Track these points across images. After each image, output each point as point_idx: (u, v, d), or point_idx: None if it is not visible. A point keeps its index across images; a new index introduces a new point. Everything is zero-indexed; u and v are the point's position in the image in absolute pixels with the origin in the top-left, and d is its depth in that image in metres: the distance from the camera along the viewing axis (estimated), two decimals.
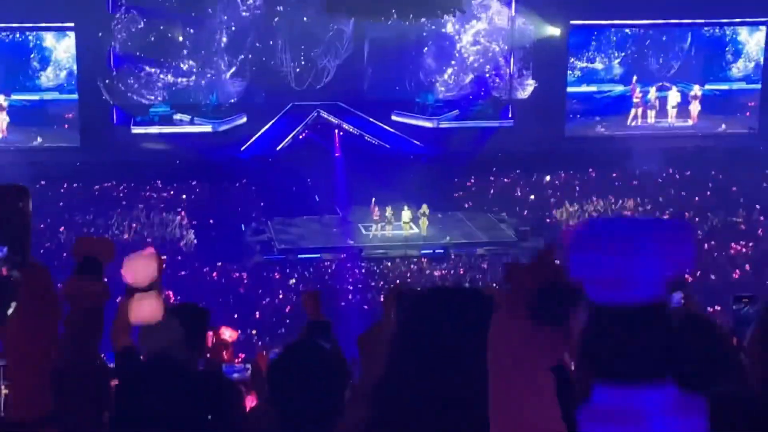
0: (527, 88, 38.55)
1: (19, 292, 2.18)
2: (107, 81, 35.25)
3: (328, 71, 37.82)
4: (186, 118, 36.12)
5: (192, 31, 36.33)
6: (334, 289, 26.17)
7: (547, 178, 34.87)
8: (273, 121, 36.07)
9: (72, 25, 34.13)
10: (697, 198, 33.29)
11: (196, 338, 5.35)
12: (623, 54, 37.70)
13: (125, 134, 35.32)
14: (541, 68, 37.68)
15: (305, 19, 36.60)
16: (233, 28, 36.62)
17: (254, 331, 23.01)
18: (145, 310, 3.71)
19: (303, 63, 37.19)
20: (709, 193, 33.68)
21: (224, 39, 36.64)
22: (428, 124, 36.98)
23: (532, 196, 33.87)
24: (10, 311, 2.18)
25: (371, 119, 36.80)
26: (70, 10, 32.93)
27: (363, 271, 27.90)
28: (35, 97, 34.52)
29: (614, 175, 34.95)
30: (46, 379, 2.25)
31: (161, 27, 35.92)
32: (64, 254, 27.38)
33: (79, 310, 3.45)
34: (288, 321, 23.35)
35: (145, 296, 3.74)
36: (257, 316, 24.19)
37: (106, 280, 3.70)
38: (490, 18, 38.33)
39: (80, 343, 3.50)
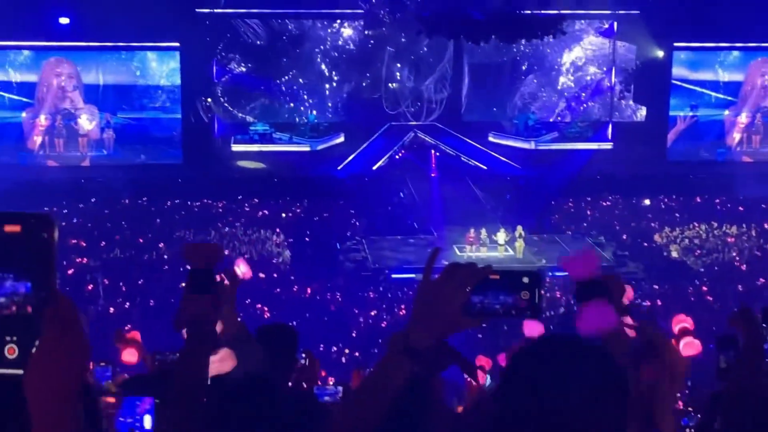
0: (627, 111, 38.00)
1: (44, 328, 2.07)
2: (209, 100, 35.97)
3: (425, 92, 37.93)
4: (285, 136, 36.64)
5: (293, 51, 36.86)
6: None
7: (647, 201, 34.16)
8: (370, 140, 36.28)
9: (177, 45, 34.86)
10: None
11: (285, 359, 5.30)
12: (729, 77, 36.77)
13: (225, 152, 35.97)
14: (642, 90, 37.10)
15: (403, 41, 36.79)
16: (333, 49, 37.06)
17: (347, 351, 23.03)
18: (217, 366, 3.62)
19: (401, 84, 37.38)
20: None
21: (324, 59, 37.10)
22: (525, 146, 36.72)
23: (632, 221, 33.20)
24: (33, 349, 2.08)
25: (468, 140, 36.70)
26: (175, 30, 33.68)
27: None
28: (140, 115, 35.33)
29: (718, 200, 34.04)
30: (71, 424, 2.10)
31: (263, 47, 36.55)
32: (165, 267, 28.05)
33: (195, 333, 3.40)
34: (381, 340, 23.30)
35: (218, 354, 3.65)
36: (353, 335, 24.22)
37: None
38: (590, 40, 37.94)
39: (195, 369, 3.41)
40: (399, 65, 37.24)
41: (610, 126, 37.64)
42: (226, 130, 36.52)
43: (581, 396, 2.17)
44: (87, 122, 34.82)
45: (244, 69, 36.68)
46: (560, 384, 2.19)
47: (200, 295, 3.45)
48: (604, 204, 34.27)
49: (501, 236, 30.34)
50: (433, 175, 34.65)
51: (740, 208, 33.45)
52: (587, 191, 34.37)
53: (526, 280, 2.54)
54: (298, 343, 5.96)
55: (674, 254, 31.00)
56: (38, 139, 34.64)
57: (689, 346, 6.94)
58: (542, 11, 34.98)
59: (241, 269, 4.01)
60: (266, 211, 32.73)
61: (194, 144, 35.14)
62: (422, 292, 2.59)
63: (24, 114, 34.42)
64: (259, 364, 4.25)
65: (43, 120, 34.47)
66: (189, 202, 32.86)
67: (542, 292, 2.55)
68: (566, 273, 3.38)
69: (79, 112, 34.73)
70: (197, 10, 34.46)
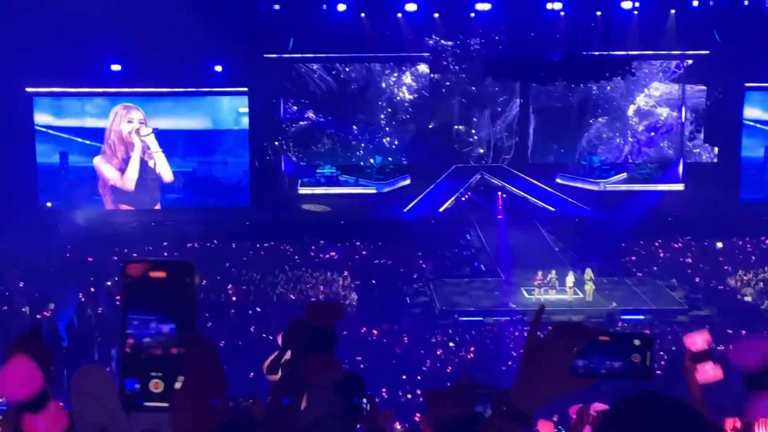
0: (698, 151, 37.45)
1: (186, 367, 2.24)
2: (276, 143, 36.38)
3: (491, 134, 37.90)
4: (351, 179, 36.87)
5: (359, 95, 37.20)
6: (495, 352, 25.76)
7: (720, 244, 33.48)
8: (436, 182, 36.29)
9: (245, 90, 35.37)
10: None
11: (351, 406, 5.21)
12: None
13: (292, 195, 36.29)
14: (714, 131, 36.57)
15: (469, 84, 36.91)
16: (399, 93, 37.29)
17: (409, 395, 22.83)
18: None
19: (466, 126, 37.45)
20: None
21: (390, 103, 37.35)
22: (594, 187, 36.39)
23: (705, 263, 32.54)
24: (177, 386, 2.24)
25: (535, 181, 36.49)
26: (244, 75, 34.25)
27: (525, 335, 27.31)
28: (209, 159, 35.83)
29: None
30: None
31: (330, 91, 36.94)
32: (232, 311, 28.24)
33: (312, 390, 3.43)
34: (449, 383, 23.07)
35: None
36: (418, 378, 24.02)
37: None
38: (659, 80, 37.60)
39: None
40: (465, 108, 37.30)
41: (681, 167, 37.13)
42: (293, 173, 36.87)
43: None
44: (157, 167, 35.40)
45: (311, 113, 37.10)
46: None
47: (322, 354, 3.58)
48: (676, 246, 33.67)
49: (570, 279, 29.94)
50: (500, 217, 34.47)
51: None
52: (658, 233, 33.84)
53: (637, 342, 2.48)
54: (365, 389, 5.86)
55: (748, 298, 30.29)
56: (110, 184, 35.29)
57: (705, 374, 6.63)
58: (610, 53, 34.85)
59: None
60: (333, 253, 32.81)
61: (262, 187, 35.55)
62: (528, 351, 2.52)
63: (96, 159, 35.14)
64: (331, 409, 4.20)
65: (114, 165, 35.14)
66: (257, 245, 33.12)
67: (653, 354, 2.48)
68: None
69: (149, 157, 35.33)
70: (265, 55, 34.97)
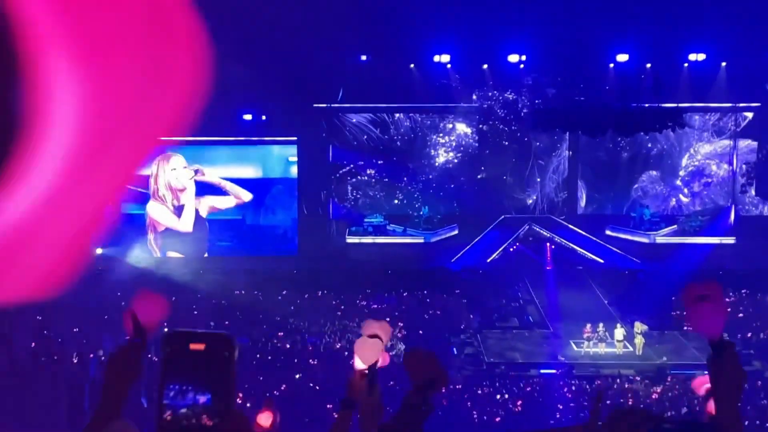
0: (750, 204, 37.04)
1: None
2: (325, 192, 36.61)
3: (541, 185, 37.83)
4: (399, 228, 36.92)
5: (407, 144, 37.42)
6: (544, 405, 25.46)
7: None
8: (484, 232, 36.21)
9: (295, 138, 35.72)
10: None
11: None
12: None
13: (340, 244, 36.39)
14: (765, 185, 36.16)
15: (520, 136, 36.97)
16: (447, 143, 37.45)
17: None
18: (368, 345, 3.96)
19: (516, 177, 37.42)
20: None
21: (438, 152, 37.51)
22: (644, 239, 36.07)
23: (756, 318, 31.99)
24: None
25: (584, 233, 36.27)
26: (293, 124, 34.63)
27: (574, 388, 27.03)
28: (258, 208, 36.11)
29: None
30: None
31: (378, 141, 37.19)
32: (278, 365, 28.22)
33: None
34: None
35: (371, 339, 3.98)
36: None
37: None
38: (711, 132, 37.36)
39: None
40: (513, 158, 37.31)
41: (732, 220, 36.70)
42: (341, 222, 37.03)
43: None
44: (206, 214, 35.70)
45: (359, 162, 37.33)
46: None
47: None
48: (728, 300, 33.15)
49: (619, 332, 29.58)
50: (548, 268, 34.25)
51: None
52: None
53: None
54: None
55: None
56: (163, 228, 35.66)
57: None
58: (660, 104, 34.72)
59: (263, 420, 4.35)
60: (380, 303, 32.77)
61: (309, 236, 35.72)
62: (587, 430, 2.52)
63: (150, 204, 35.55)
64: None
65: (168, 209, 35.51)
66: (304, 294, 33.17)
67: None
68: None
69: (195, 200, 35.63)
70: (314, 105, 35.34)
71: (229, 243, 36.03)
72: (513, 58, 35.01)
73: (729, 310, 3.32)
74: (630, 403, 24.96)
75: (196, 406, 2.32)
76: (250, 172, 36.26)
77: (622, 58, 34.45)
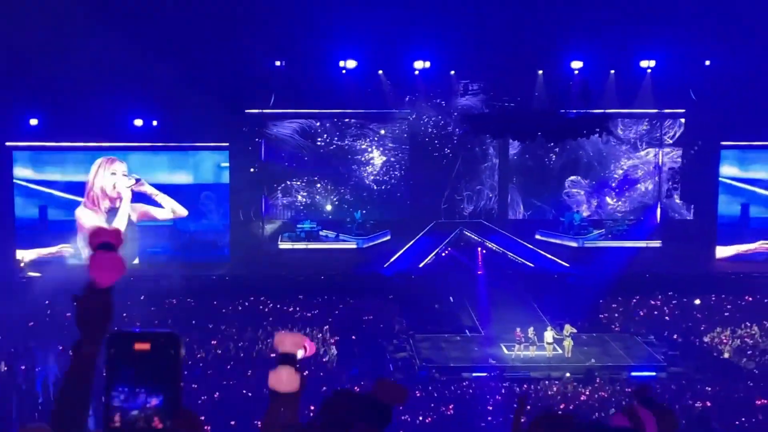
0: (676, 209, 37.85)
1: None
2: (257, 198, 36.49)
3: (472, 191, 38.17)
4: (331, 234, 36.96)
5: (340, 151, 37.47)
6: (475, 409, 25.70)
7: (697, 301, 33.67)
8: (416, 238, 36.43)
9: (227, 144, 35.57)
10: None
11: None
12: None
13: (273, 250, 36.29)
14: (690, 190, 37.00)
15: (451, 142, 37.26)
16: (379, 149, 37.59)
17: None
18: (283, 379, 3.76)
19: (447, 183, 37.69)
20: None
21: (370, 158, 37.62)
22: (573, 244, 36.64)
23: (682, 320, 32.70)
24: None
25: (515, 237, 36.71)
26: (225, 130, 34.47)
27: (504, 391, 27.33)
28: (188, 214, 35.83)
29: None
30: None
31: (311, 147, 37.19)
32: (209, 372, 27.99)
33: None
34: None
35: (286, 368, 3.81)
36: None
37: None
38: (637, 140, 38.09)
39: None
40: (445, 164, 37.56)
41: (658, 224, 37.47)
42: (274, 228, 36.95)
43: None
44: (137, 220, 35.36)
45: (291, 168, 37.27)
46: None
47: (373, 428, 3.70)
48: (654, 302, 33.84)
49: (549, 335, 30.00)
50: (479, 272, 34.58)
51: None
52: (636, 289, 34.02)
53: None
54: None
55: (726, 355, 30.41)
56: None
57: None
58: (587, 111, 35.28)
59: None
60: (313, 309, 32.73)
61: (241, 242, 35.57)
62: None
63: (78, 210, 35.08)
64: None
65: (99, 216, 35.07)
66: (236, 300, 32.99)
67: None
68: None
69: (130, 208, 35.29)
70: (247, 111, 35.23)
71: (160, 249, 35.68)
72: (444, 64, 35.37)
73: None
74: (562, 406, 25.34)
75: (147, 408, 2.29)
76: (183, 178, 35.98)
77: (548, 65, 35.05)
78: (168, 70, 30.49)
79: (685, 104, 36.31)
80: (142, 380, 2.31)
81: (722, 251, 36.53)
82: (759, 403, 25.33)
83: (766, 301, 33.40)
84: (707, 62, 34.89)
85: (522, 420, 2.87)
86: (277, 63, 34.59)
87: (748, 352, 30.34)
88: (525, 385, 27.78)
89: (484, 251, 35.79)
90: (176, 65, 30.91)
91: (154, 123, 34.67)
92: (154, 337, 2.36)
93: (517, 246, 36.48)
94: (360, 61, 34.82)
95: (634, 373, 28.83)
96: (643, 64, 35.12)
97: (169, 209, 35.44)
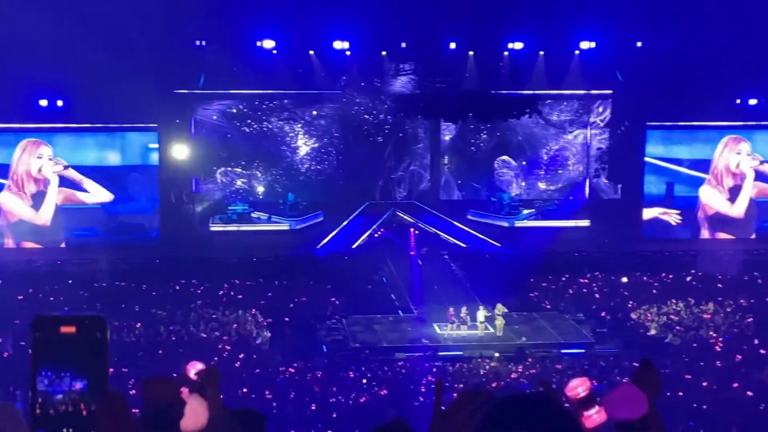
0: (603, 189, 38.46)
1: (98, 422, 2.22)
2: (188, 180, 36.11)
3: (404, 172, 38.30)
4: (264, 216, 36.77)
5: (272, 131, 37.25)
6: (408, 388, 25.89)
7: (624, 279, 34.31)
8: (349, 219, 36.45)
9: (155, 125, 35.09)
10: None
11: None
12: (702, 155, 37.22)
13: (204, 232, 35.97)
14: (617, 170, 37.60)
15: (383, 123, 37.30)
16: (311, 130, 37.49)
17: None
18: (189, 416, 3.58)
19: (379, 164, 37.75)
20: None
21: (302, 139, 37.50)
22: (504, 224, 37.01)
23: (610, 298, 33.31)
24: None
25: (447, 218, 36.95)
26: (154, 111, 33.95)
27: (436, 371, 27.58)
28: (117, 196, 35.32)
29: (694, 277, 34.23)
30: None
31: (242, 127, 36.92)
32: (140, 353, 27.73)
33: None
34: (362, 420, 23.08)
35: (190, 400, 3.61)
36: (333, 416, 23.97)
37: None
38: (567, 120, 38.57)
39: None
40: (377, 145, 37.60)
41: (587, 204, 38.04)
42: (205, 211, 36.62)
43: None
44: (61, 203, 34.73)
45: (222, 149, 36.95)
46: None
47: None
48: (582, 281, 34.41)
49: (481, 314, 30.33)
50: (412, 253, 34.75)
51: (718, 285, 33.64)
52: (565, 268, 34.53)
53: None
54: (266, 428, 5.90)
55: (652, 331, 31.07)
56: (15, 219, 34.52)
57: (590, 420, 6.89)
58: (517, 92, 35.65)
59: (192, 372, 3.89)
60: (245, 291, 32.57)
61: (172, 224, 35.16)
62: (434, 423, 2.63)
63: (3, 195, 34.32)
64: None
65: (25, 201, 34.38)
66: (167, 283, 32.66)
67: None
68: (609, 414, 3.19)
69: (57, 193, 34.65)
70: (176, 91, 34.78)
71: (88, 232, 35.12)
72: (377, 46, 35.38)
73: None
74: (494, 384, 25.67)
75: (72, 392, 2.28)
76: (110, 159, 35.44)
77: (478, 46, 35.30)
78: (94, 50, 29.96)
79: (612, 85, 36.86)
80: (68, 364, 2.30)
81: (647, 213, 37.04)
82: (687, 377, 25.96)
83: (689, 278, 34.16)
84: (639, 44, 35.48)
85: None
86: (198, 43, 34.18)
87: (675, 329, 31.03)
88: (458, 364, 28.07)
89: (417, 232, 35.96)
90: (103, 45, 30.36)
91: (60, 104, 33.93)
92: (79, 320, 2.35)
93: (450, 226, 36.74)
94: (286, 42, 34.62)
95: (563, 351, 29.33)
96: (584, 45, 35.48)
97: (95, 193, 34.84)
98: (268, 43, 34.51)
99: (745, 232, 37.10)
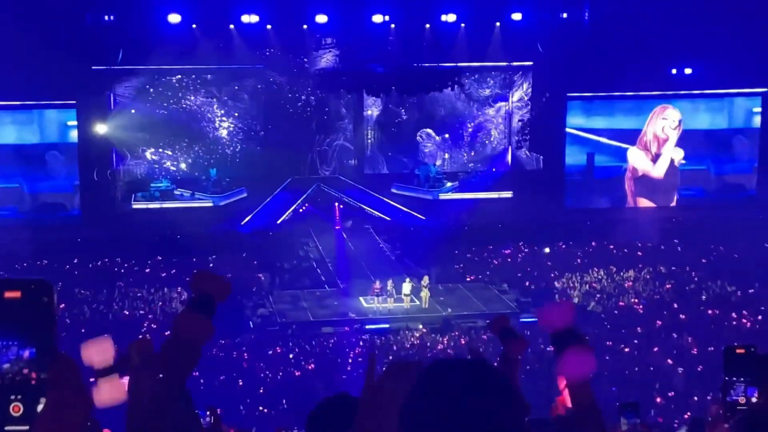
0: (526, 161, 38.86)
1: (48, 389, 2.17)
2: (108, 157, 35.53)
3: (328, 146, 38.20)
4: (187, 193, 36.38)
5: (193, 107, 36.78)
6: (336, 362, 26.00)
7: (547, 249, 34.84)
8: (274, 194, 36.25)
9: (74, 102, 34.41)
10: (695, 269, 33.19)
11: (187, 422, 5.25)
12: (625, 125, 37.86)
13: (126, 210, 35.48)
14: (539, 141, 38.04)
15: (306, 98, 37.09)
16: (233, 105, 37.12)
17: (264, 408, 22.76)
18: (105, 394, 3.53)
19: (302, 138, 37.55)
20: (705, 261, 33.61)
21: (224, 115, 37.12)
22: (428, 197, 37.21)
23: (534, 268, 33.79)
24: (39, 407, 2.18)
25: (371, 192, 37.00)
26: (72, 87, 33.28)
27: (363, 344, 27.73)
28: (38, 174, 34.63)
29: (615, 246, 34.89)
30: None
31: (162, 104, 36.36)
32: (63, 333, 27.33)
33: (181, 343, 3.36)
34: (290, 395, 23.13)
35: (106, 380, 3.55)
36: (260, 391, 23.96)
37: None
38: (488, 92, 38.81)
39: (171, 374, 3.38)
40: (300, 120, 37.39)
41: (509, 175, 38.42)
42: (126, 188, 36.09)
43: (480, 416, 2.25)
44: None
45: (142, 126, 36.34)
46: (461, 406, 2.25)
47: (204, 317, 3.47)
48: (506, 252, 34.83)
49: (407, 287, 30.51)
50: (337, 227, 34.77)
51: (638, 253, 34.36)
52: (489, 239, 34.90)
53: None
54: (194, 404, 5.88)
55: (575, 300, 31.62)
56: None
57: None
58: (439, 64, 35.77)
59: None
60: (169, 269, 32.26)
61: (93, 202, 34.58)
62: (365, 395, 2.63)
63: None
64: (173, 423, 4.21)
65: None
66: (90, 262, 32.17)
67: None
68: (541, 324, 3.50)
69: None
70: (93, 67, 34.11)
71: (7, 212, 34.37)
72: (298, 20, 35.12)
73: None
74: (421, 356, 25.88)
75: (20, 360, 2.22)
76: (28, 137, 34.69)
77: (399, 19, 35.29)
78: (5, 26, 29.23)
79: (533, 57, 37.18)
80: (14, 330, 2.23)
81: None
82: (608, 344, 26.52)
83: (611, 247, 34.83)
84: (564, 15, 35.84)
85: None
86: (107, 18, 33.53)
87: (596, 296, 31.64)
88: (384, 337, 28.25)
89: (342, 206, 35.97)
90: (14, 21, 29.62)
91: None
92: (25, 284, 2.26)
93: (374, 200, 36.80)
94: (205, 16, 34.19)
95: (488, 321, 29.62)
96: (516, 17, 35.66)
97: None
98: (174, 18, 33.93)
99: (666, 199, 37.90)
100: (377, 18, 35.17)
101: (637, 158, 37.70)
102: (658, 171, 37.70)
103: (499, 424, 2.24)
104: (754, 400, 4.71)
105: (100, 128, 34.99)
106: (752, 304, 30.06)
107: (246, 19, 34.52)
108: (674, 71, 36.91)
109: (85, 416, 2.18)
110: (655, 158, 37.65)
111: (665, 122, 37.63)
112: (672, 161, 37.75)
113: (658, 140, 37.64)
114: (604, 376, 23.02)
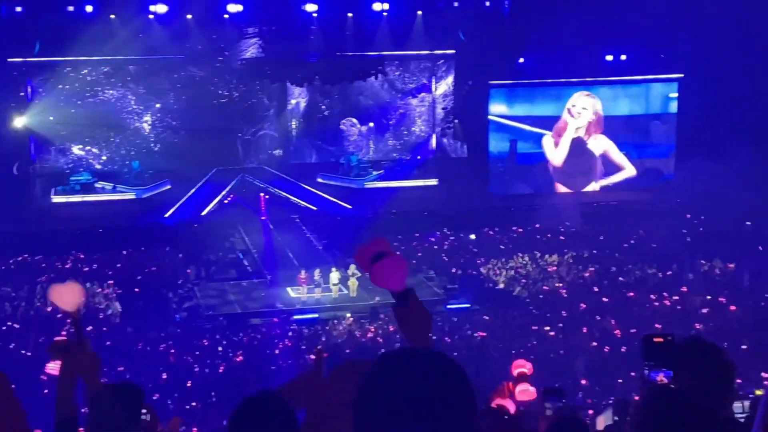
0: (450, 148, 39.15)
1: None
2: (26, 150, 34.81)
3: (252, 136, 37.97)
4: (108, 186, 35.84)
5: (114, 98, 36.23)
6: (264, 353, 25.87)
7: (473, 236, 35.14)
8: (197, 186, 35.90)
9: None
10: (617, 253, 33.80)
11: (131, 418, 5.21)
12: (545, 112, 38.33)
13: (46, 204, 34.81)
14: (463, 129, 38.35)
15: (229, 87, 36.79)
16: (154, 96, 36.65)
17: (195, 403, 22.53)
18: (65, 296, 3.60)
19: (226, 129, 37.24)
20: (627, 246, 34.26)
21: (146, 106, 36.64)
22: (353, 186, 37.25)
23: (460, 255, 34.06)
24: None
25: (296, 182, 36.89)
26: None
27: (292, 334, 27.65)
28: None
29: (539, 231, 35.35)
30: None
31: (82, 95, 35.72)
32: None
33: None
34: (219, 387, 22.95)
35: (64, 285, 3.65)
36: (188, 384, 23.73)
37: None
38: (413, 81, 38.98)
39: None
40: (223, 110, 37.08)
41: (434, 163, 38.65)
42: (45, 181, 35.40)
43: (433, 402, 2.25)
44: None
45: (62, 118, 35.66)
46: (415, 395, 2.25)
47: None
48: (432, 239, 35.04)
49: (334, 276, 30.50)
50: (263, 218, 34.57)
51: (561, 238, 34.85)
52: (416, 227, 35.05)
53: None
54: (144, 400, 5.83)
55: (501, 285, 31.96)
56: None
57: (525, 393, 7.31)
58: (363, 53, 35.81)
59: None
60: (92, 264, 31.75)
61: (9, 197, 33.80)
62: (314, 393, 2.62)
63: None
64: (110, 424, 4.21)
65: None
66: (8, 259, 31.48)
67: None
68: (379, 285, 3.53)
69: None
70: (9, 59, 33.38)
71: None
72: (219, 9, 34.81)
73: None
74: (349, 349, 25.90)
75: None
76: None
77: (323, 7, 35.20)
78: None
79: (455, 45, 37.42)
80: None
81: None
82: (534, 328, 26.86)
83: (535, 232, 35.27)
84: (487, 2, 36.14)
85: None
86: (18, 9, 32.84)
87: (521, 281, 32.01)
88: (313, 327, 28.20)
89: (267, 196, 35.76)
90: None
91: None
92: None
93: (300, 190, 36.69)
94: (123, 5, 33.68)
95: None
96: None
97: None
98: (88, 8, 33.36)
99: (581, 184, 38.48)
100: (310, 7, 34.95)
101: (546, 145, 38.31)
102: (557, 158, 38.30)
103: (454, 411, 2.25)
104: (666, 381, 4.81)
105: (18, 121, 34.25)
106: (671, 285, 30.71)
107: (163, 9, 34.05)
108: (595, 58, 37.47)
109: (20, 426, 2.15)
110: (556, 145, 38.30)
111: (573, 109, 38.24)
112: (584, 148, 38.32)
113: (559, 127, 38.27)
114: (530, 360, 23.30)
